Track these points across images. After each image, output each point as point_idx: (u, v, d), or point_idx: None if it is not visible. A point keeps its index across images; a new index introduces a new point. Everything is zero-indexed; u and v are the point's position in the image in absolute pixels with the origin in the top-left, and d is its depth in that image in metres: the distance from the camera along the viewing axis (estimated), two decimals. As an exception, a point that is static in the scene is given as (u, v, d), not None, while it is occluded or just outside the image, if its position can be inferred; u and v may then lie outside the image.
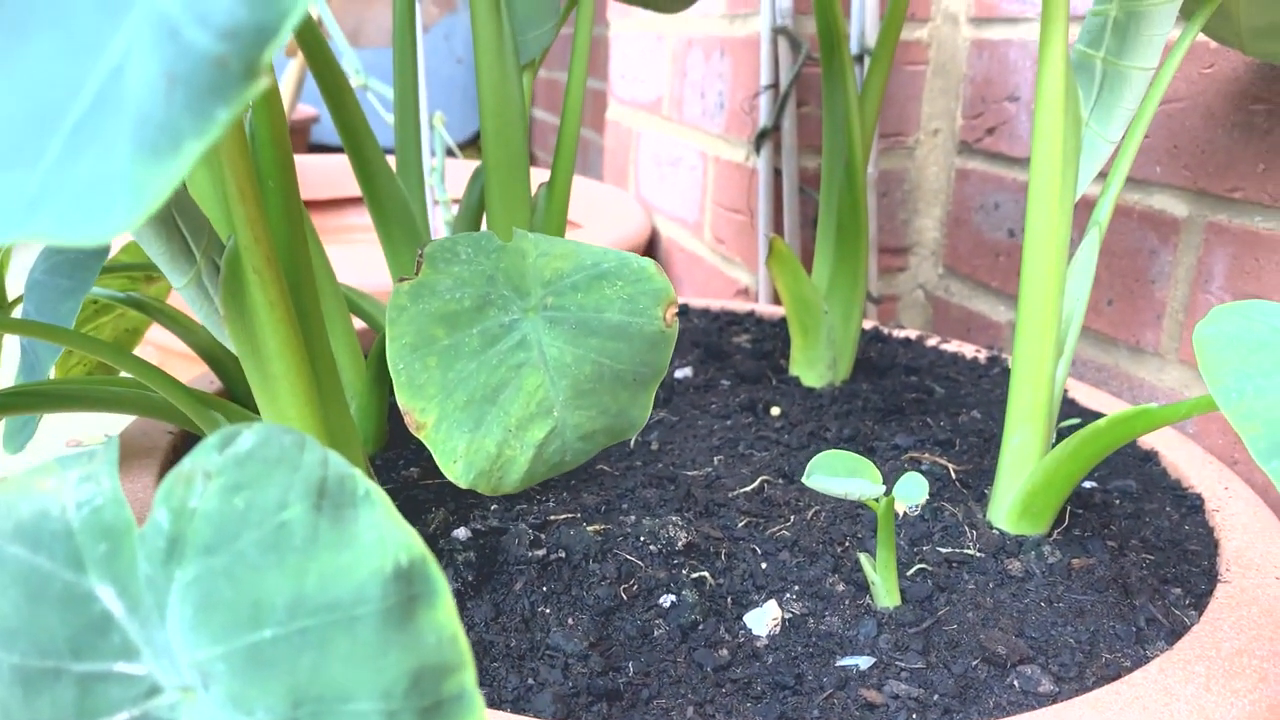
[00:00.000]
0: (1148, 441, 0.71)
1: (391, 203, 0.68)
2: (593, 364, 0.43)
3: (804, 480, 0.46)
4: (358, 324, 0.82)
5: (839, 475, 0.46)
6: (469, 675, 0.26)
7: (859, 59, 1.01)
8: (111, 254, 0.73)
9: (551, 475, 0.45)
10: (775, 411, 0.75)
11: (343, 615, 0.24)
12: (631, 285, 0.43)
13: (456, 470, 0.42)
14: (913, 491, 0.46)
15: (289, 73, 2.12)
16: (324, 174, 1.68)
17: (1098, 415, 0.75)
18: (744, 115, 1.08)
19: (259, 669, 0.24)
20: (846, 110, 0.72)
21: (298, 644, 0.24)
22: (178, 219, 0.39)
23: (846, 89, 0.71)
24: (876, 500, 0.48)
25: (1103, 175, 0.84)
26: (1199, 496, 0.63)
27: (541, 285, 0.43)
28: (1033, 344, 0.54)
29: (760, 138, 1.01)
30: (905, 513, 0.59)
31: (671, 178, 1.33)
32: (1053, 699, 0.45)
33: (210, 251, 0.40)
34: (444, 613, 0.26)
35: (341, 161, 1.69)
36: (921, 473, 0.63)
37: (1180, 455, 0.69)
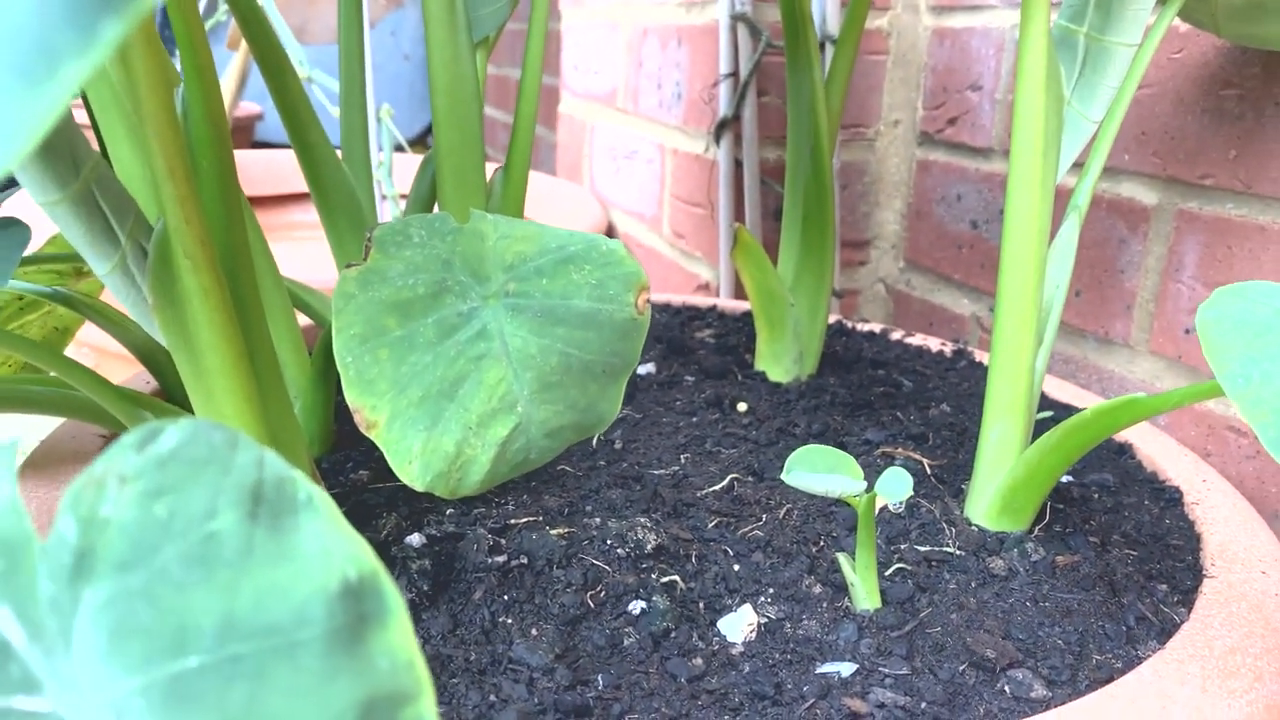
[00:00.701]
0: (1122, 434, 0.69)
1: (337, 193, 0.65)
2: (559, 355, 0.39)
3: (783, 477, 0.43)
4: (303, 320, 0.78)
5: (819, 471, 0.43)
6: (427, 704, 0.23)
7: (820, 47, 0.98)
8: (38, 245, 0.69)
9: (515, 475, 0.41)
10: (742, 407, 0.73)
11: (282, 640, 0.21)
12: (600, 269, 0.40)
13: (412, 472, 0.39)
14: (896, 488, 0.43)
15: (232, 67, 2.06)
16: (267, 169, 1.63)
17: (1069, 408, 0.73)
18: (703, 105, 1.05)
19: (184, 704, 0.21)
20: (812, 97, 0.70)
21: (229, 674, 0.21)
22: (98, 196, 0.35)
23: (812, 75, 0.69)
24: (857, 497, 0.45)
25: (1077, 165, 0.82)
26: (1177, 490, 0.62)
27: (502, 270, 0.40)
28: (1012, 333, 0.52)
29: (720, 128, 0.99)
30: (880, 510, 0.57)
31: (628, 171, 1.30)
32: (1046, 705, 0.43)
33: (137, 234, 0.37)
34: (398, 634, 0.22)
35: (286, 156, 1.64)
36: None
37: (1155, 448, 0.67)
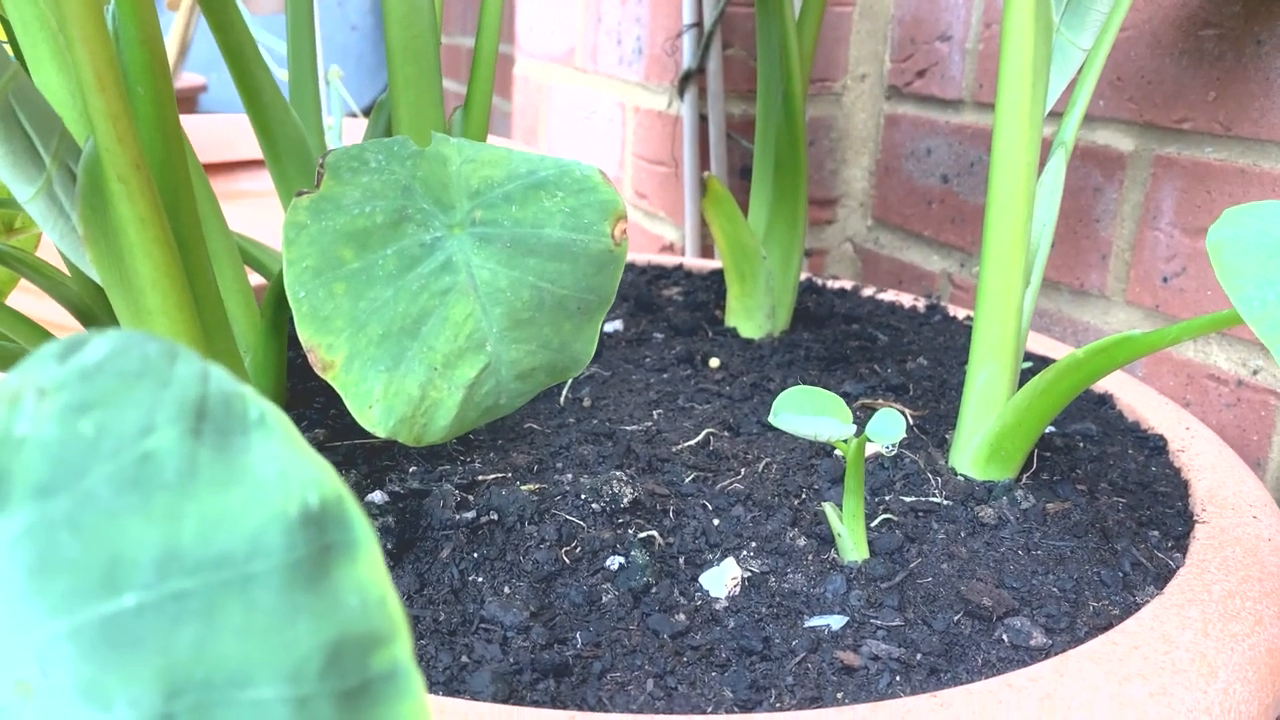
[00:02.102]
0: (1101, 385, 0.68)
1: (286, 139, 0.61)
2: (531, 289, 0.37)
3: (770, 419, 0.41)
4: (254, 280, 0.74)
5: (807, 413, 0.41)
6: (402, 647, 0.20)
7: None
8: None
9: (484, 422, 0.39)
10: (714, 363, 0.70)
11: (233, 574, 0.18)
12: (574, 196, 0.37)
13: (373, 417, 0.36)
14: (888, 430, 0.41)
15: (174, 31, 1.99)
16: (212, 135, 1.57)
17: (1045, 359, 0.71)
18: (665, 59, 1.02)
19: (120, 649, 0.18)
20: (783, 38, 0.67)
21: (172, 613, 0.18)
22: (18, 111, 0.31)
23: (784, 15, 0.66)
24: (846, 441, 0.43)
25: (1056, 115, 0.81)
26: (1161, 438, 0.60)
27: (468, 197, 0.37)
28: (1000, 272, 0.50)
29: (684, 80, 0.96)
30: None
31: (587, 132, 1.27)
32: (1047, 652, 0.41)
33: (64, 155, 0.33)
34: (368, 568, 0.20)
35: (231, 121, 1.58)
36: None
37: (1136, 398, 0.66)
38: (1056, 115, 0.77)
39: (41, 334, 0.41)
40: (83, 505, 0.18)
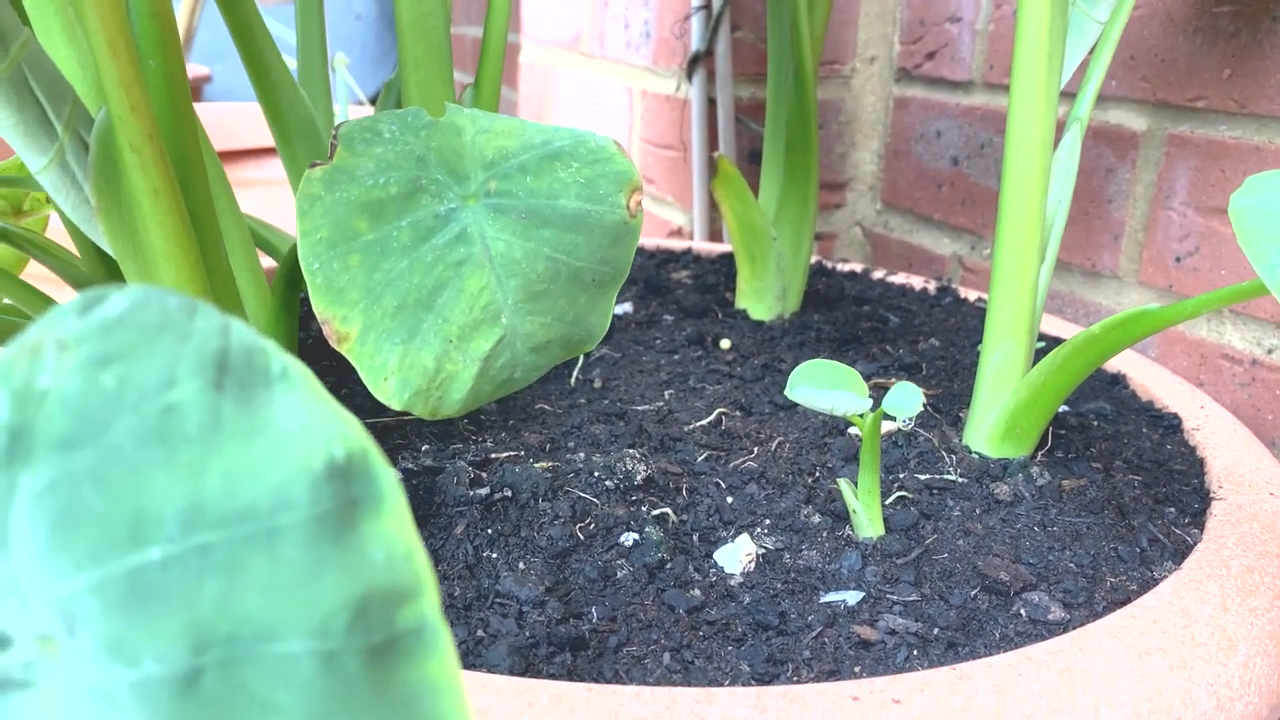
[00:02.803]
0: (1113, 365, 0.67)
1: (295, 117, 0.61)
2: (546, 260, 0.36)
3: (786, 393, 0.40)
4: (265, 263, 0.74)
5: (824, 387, 0.40)
6: (429, 601, 0.20)
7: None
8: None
9: (499, 395, 0.38)
10: (725, 344, 0.70)
11: (258, 527, 0.18)
12: (589, 167, 0.37)
13: (388, 389, 0.36)
14: (905, 403, 0.41)
15: (179, 18, 1.98)
16: (218, 123, 1.57)
17: (1057, 341, 0.71)
18: (673, 43, 1.02)
19: (145, 603, 0.18)
20: (795, 18, 0.67)
21: (197, 567, 0.18)
22: (30, 79, 0.31)
23: (794, -8, 0.66)
24: (862, 416, 0.43)
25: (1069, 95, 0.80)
26: (1175, 416, 0.60)
27: (482, 167, 0.36)
28: (1015, 248, 0.50)
29: (693, 63, 0.95)
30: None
31: (594, 118, 1.26)
32: (1065, 626, 0.41)
33: (76, 124, 0.33)
34: (393, 522, 0.19)
35: (237, 109, 1.58)
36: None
37: (1149, 377, 0.65)
38: (1069, 95, 0.76)
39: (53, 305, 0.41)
40: (106, 459, 0.18)
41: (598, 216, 0.37)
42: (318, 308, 0.35)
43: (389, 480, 0.19)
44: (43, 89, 0.31)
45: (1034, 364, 0.52)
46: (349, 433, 0.19)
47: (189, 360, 0.19)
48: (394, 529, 0.19)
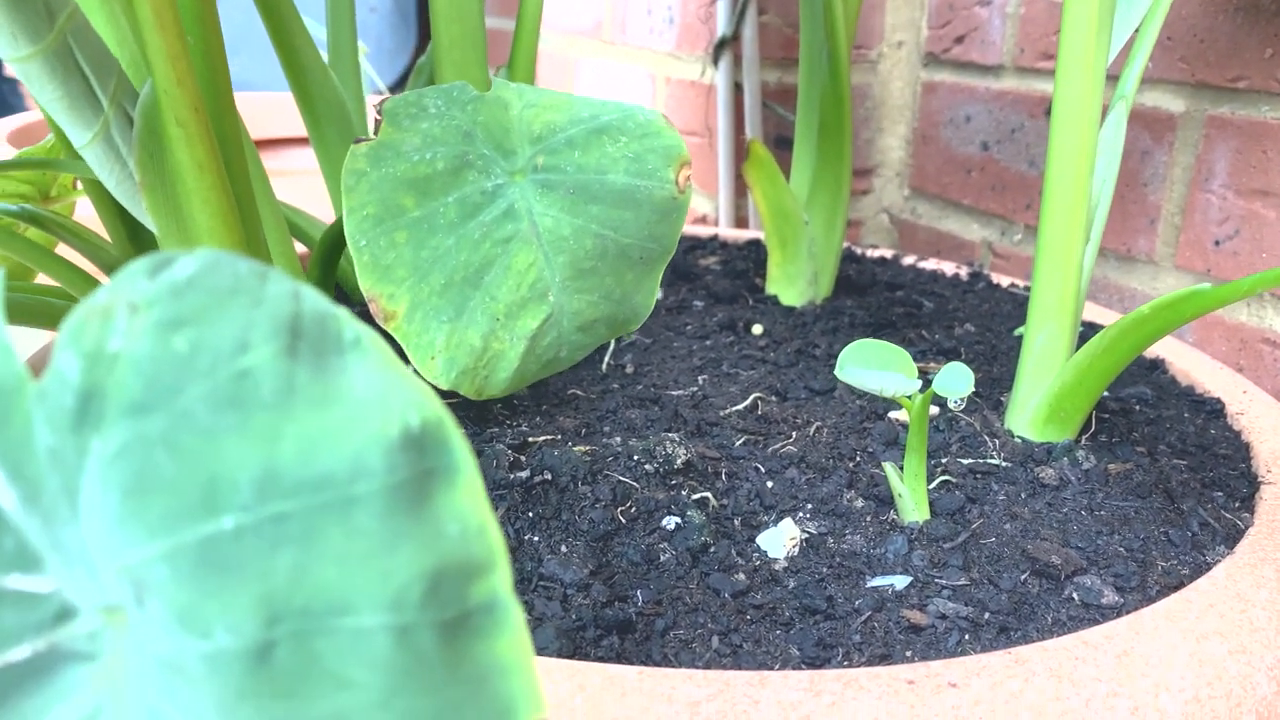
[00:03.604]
0: (1152, 351, 0.66)
1: (324, 100, 0.60)
2: (594, 237, 0.36)
3: (836, 373, 0.40)
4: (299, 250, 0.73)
5: (872, 368, 0.40)
6: (502, 577, 0.19)
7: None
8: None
9: (543, 375, 0.38)
10: (757, 330, 0.69)
11: (334, 495, 0.18)
12: (638, 141, 0.36)
13: (435, 368, 0.35)
14: (956, 384, 0.40)
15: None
16: (245, 113, 1.56)
17: (1092, 325, 0.70)
18: (698, 28, 1.01)
19: (217, 573, 0.17)
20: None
21: (271, 537, 0.17)
22: (76, 52, 0.31)
23: (828, -27, 0.65)
24: (910, 398, 0.42)
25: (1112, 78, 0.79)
26: (1218, 401, 0.59)
27: (530, 142, 0.36)
28: (1060, 227, 0.49)
29: (719, 48, 0.94)
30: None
31: (616, 106, 1.25)
32: (1119, 611, 0.40)
33: (121, 98, 0.32)
34: (468, 494, 0.19)
35: (264, 99, 1.57)
36: (928, 383, 0.58)
37: (1189, 363, 0.64)
38: (1112, 79, 0.75)
39: (93, 284, 0.41)
40: (179, 424, 0.17)
41: (646, 192, 0.36)
42: (364, 284, 0.34)
43: (463, 451, 0.19)
44: (89, 62, 0.31)
45: (1078, 347, 0.52)
46: (424, 401, 0.19)
47: (262, 325, 0.18)
48: (469, 501, 0.19)
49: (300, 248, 0.71)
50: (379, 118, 0.36)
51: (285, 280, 0.19)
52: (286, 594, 0.17)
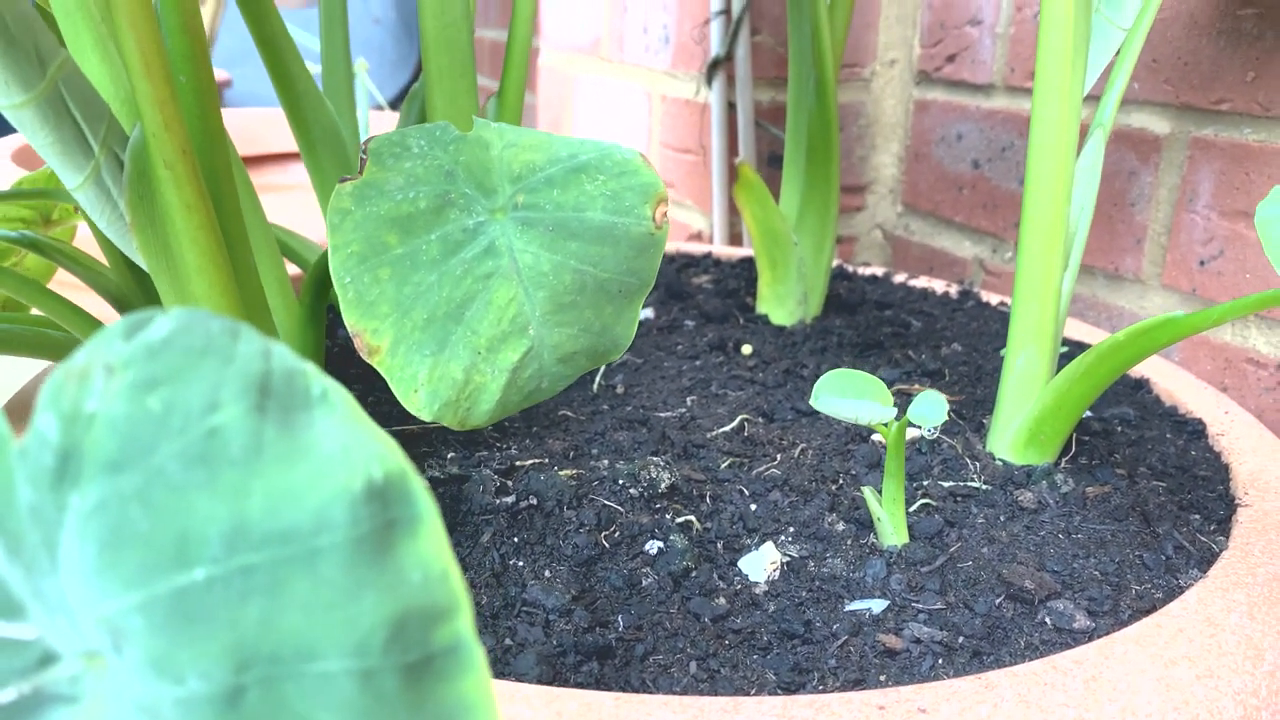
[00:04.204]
0: (1137, 369, 0.67)
1: (319, 126, 0.61)
2: (573, 272, 0.37)
3: (811, 402, 0.41)
4: (291, 270, 0.74)
5: (848, 397, 0.41)
6: (464, 620, 0.20)
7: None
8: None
9: (526, 405, 0.39)
10: (746, 350, 0.70)
11: (300, 548, 0.18)
12: (615, 180, 0.37)
13: (418, 401, 0.36)
14: (930, 412, 0.41)
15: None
16: (241, 129, 1.58)
17: (1080, 345, 0.71)
18: (692, 47, 1.02)
19: (189, 622, 0.18)
20: (815, 23, 0.67)
21: (240, 587, 0.18)
22: (67, 99, 0.32)
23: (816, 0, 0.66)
24: (886, 425, 0.43)
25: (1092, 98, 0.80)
26: (1200, 422, 0.60)
27: (510, 181, 0.37)
28: (1038, 254, 0.50)
29: (713, 68, 0.95)
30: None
31: (613, 122, 1.27)
32: (1090, 635, 0.41)
33: (111, 142, 0.33)
34: (430, 542, 0.20)
35: (259, 115, 1.59)
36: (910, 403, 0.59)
37: (1173, 382, 0.65)
38: (1093, 99, 0.76)
39: (91, 321, 0.42)
40: (152, 481, 0.18)
41: (624, 228, 0.37)
42: (349, 321, 0.35)
43: (425, 501, 0.20)
44: (79, 108, 0.32)
45: (1058, 370, 0.52)
46: (387, 454, 0.20)
47: (232, 384, 0.19)
48: (430, 549, 0.20)
49: (294, 269, 0.72)
50: (364, 156, 0.37)
51: (256, 338, 0.20)
52: (255, 641, 0.18)
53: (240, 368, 0.19)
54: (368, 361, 0.36)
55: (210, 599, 0.18)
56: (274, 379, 0.20)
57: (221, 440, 0.19)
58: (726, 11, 0.95)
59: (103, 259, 0.61)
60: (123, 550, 0.18)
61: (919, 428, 0.43)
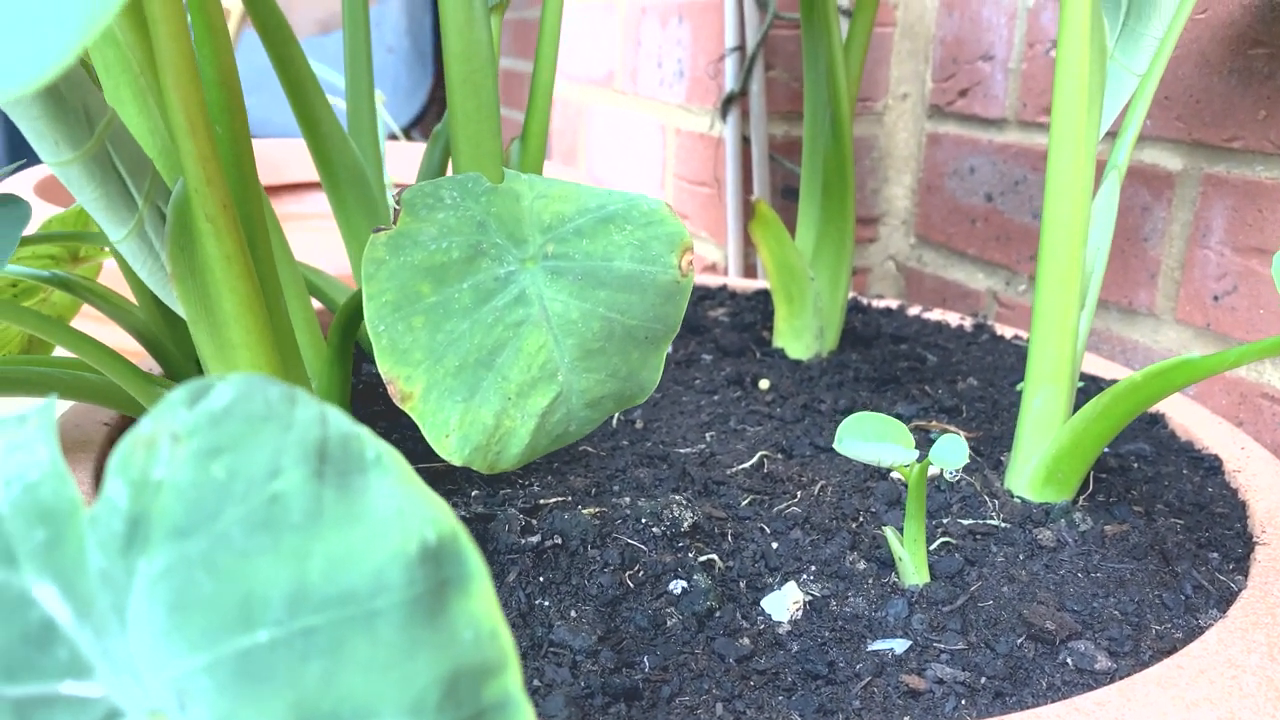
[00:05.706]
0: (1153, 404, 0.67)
1: (345, 169, 0.63)
2: (601, 319, 0.37)
3: (835, 445, 0.41)
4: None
5: (870, 440, 0.41)
6: (513, 677, 0.21)
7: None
8: (32, 229, 0.66)
9: (554, 449, 0.39)
10: (764, 385, 0.71)
11: (358, 610, 0.19)
12: (642, 229, 0.38)
13: (449, 446, 0.37)
14: (951, 455, 0.41)
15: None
16: (263, 158, 1.59)
17: (1096, 379, 0.71)
18: (707, 82, 1.03)
19: (253, 682, 0.19)
20: (830, 61, 0.68)
21: (302, 648, 0.19)
22: (114, 156, 0.33)
23: (830, 36, 0.67)
24: (908, 467, 0.43)
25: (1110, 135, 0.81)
26: (1216, 458, 0.60)
27: (540, 231, 0.38)
28: (1055, 295, 0.51)
29: (727, 103, 0.97)
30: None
31: (627, 154, 1.28)
32: (1112, 676, 0.41)
33: (154, 197, 0.34)
34: (481, 601, 0.20)
35: (279, 145, 1.61)
36: (931, 442, 0.59)
37: (1189, 418, 0.66)
38: (1109, 136, 0.77)
39: (119, 360, 0.43)
40: (217, 546, 0.19)
41: (651, 276, 0.38)
42: (383, 368, 0.36)
43: (476, 560, 0.20)
44: (124, 164, 0.33)
45: (1075, 407, 0.53)
46: (439, 516, 0.20)
47: (292, 450, 0.20)
48: (481, 607, 0.20)
49: (317, 304, 0.73)
50: (398, 207, 0.38)
51: (312, 404, 0.21)
52: (316, 700, 0.19)
53: (299, 434, 0.20)
54: (400, 407, 0.37)
55: (273, 660, 0.19)
56: (331, 444, 0.20)
57: (283, 506, 0.19)
58: (741, 47, 0.96)
59: (130, 296, 0.62)
60: (189, 613, 0.19)
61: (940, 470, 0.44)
